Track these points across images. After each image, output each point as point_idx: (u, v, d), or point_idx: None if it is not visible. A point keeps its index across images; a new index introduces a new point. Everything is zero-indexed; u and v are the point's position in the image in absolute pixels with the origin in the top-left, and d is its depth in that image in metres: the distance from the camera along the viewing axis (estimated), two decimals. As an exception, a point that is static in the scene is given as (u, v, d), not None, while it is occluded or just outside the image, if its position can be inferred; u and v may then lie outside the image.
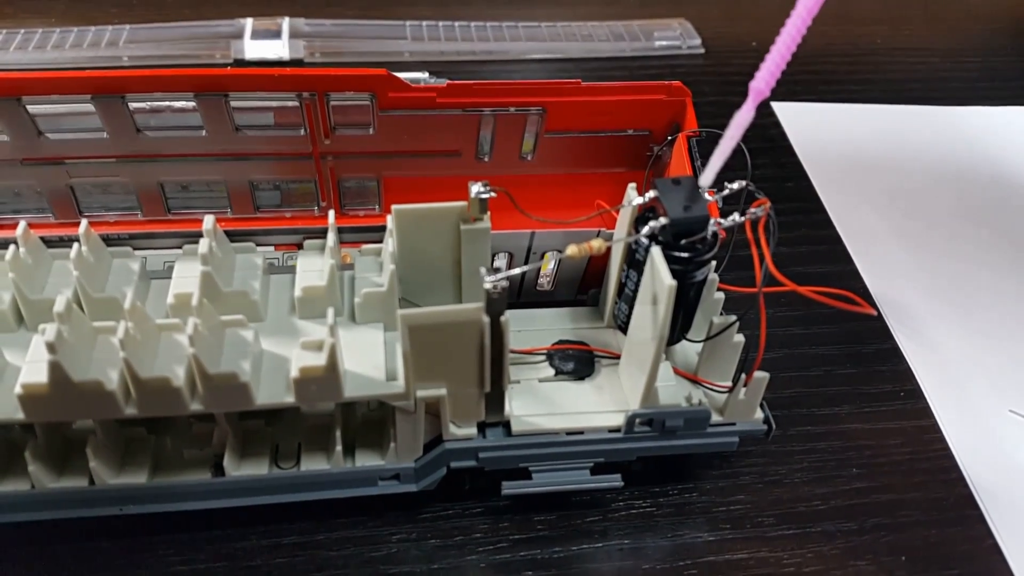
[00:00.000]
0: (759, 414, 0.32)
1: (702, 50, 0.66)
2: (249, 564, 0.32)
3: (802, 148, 0.56)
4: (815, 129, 0.58)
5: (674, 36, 0.66)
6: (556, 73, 0.62)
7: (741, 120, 0.26)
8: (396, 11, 0.66)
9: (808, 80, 0.64)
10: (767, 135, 0.57)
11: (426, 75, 0.55)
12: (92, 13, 0.63)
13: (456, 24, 0.64)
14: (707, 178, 0.28)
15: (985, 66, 0.68)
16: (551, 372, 0.33)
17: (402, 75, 0.34)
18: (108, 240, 0.33)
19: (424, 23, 0.64)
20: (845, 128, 0.59)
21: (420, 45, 0.62)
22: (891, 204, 0.52)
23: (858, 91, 0.63)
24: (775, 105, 0.60)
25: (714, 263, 0.32)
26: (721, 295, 0.34)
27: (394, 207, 0.31)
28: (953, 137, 0.58)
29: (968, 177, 0.55)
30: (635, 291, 0.31)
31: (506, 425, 0.31)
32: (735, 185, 0.30)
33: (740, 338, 0.32)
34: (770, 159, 0.55)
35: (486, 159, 0.37)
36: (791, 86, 0.62)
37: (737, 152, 0.32)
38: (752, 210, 0.29)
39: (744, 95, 0.26)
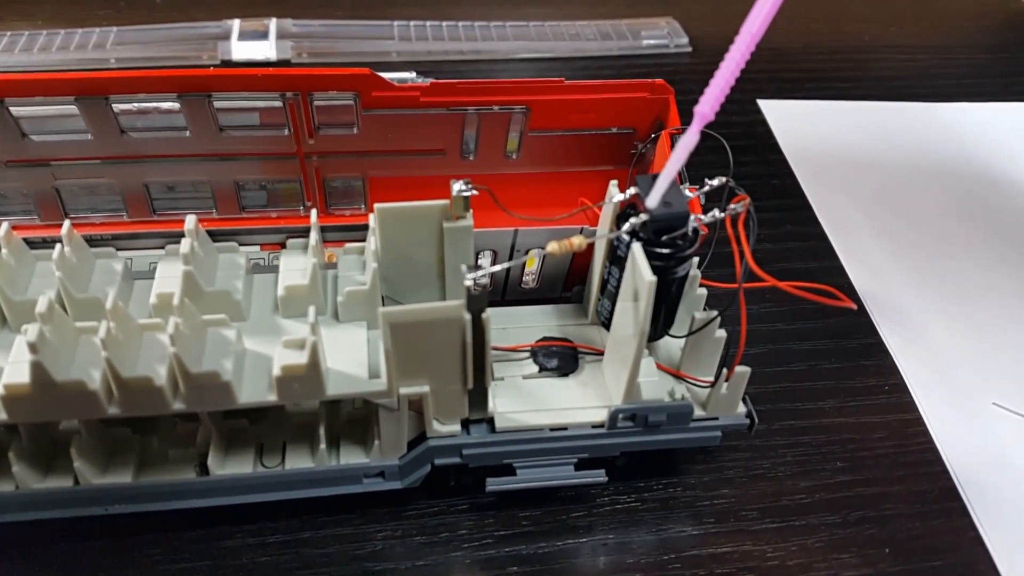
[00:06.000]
0: (742, 408, 0.33)
1: (689, 49, 0.66)
2: (235, 563, 0.32)
3: (788, 145, 0.56)
4: (801, 126, 0.58)
5: (661, 35, 0.66)
6: (544, 72, 0.62)
7: (687, 143, 0.27)
8: (385, 11, 0.66)
9: (795, 77, 0.64)
10: (753, 132, 0.57)
11: (413, 75, 0.55)
12: (79, 15, 0.63)
13: (444, 24, 0.64)
14: (653, 200, 0.28)
15: (972, 62, 0.68)
16: (535, 369, 0.33)
17: (389, 75, 0.34)
18: (92, 241, 0.33)
19: (412, 23, 0.64)
20: (831, 125, 0.59)
21: (408, 45, 0.62)
22: (877, 200, 0.52)
23: (845, 88, 0.63)
24: (761, 103, 0.60)
25: (696, 259, 0.33)
26: (703, 291, 0.34)
27: (377, 206, 0.31)
28: (939, 133, 0.59)
29: (953, 173, 0.55)
30: (617, 287, 0.31)
31: (490, 422, 0.31)
32: (715, 181, 0.30)
33: (722, 333, 0.32)
34: (756, 156, 0.55)
35: (471, 158, 0.37)
36: (778, 83, 0.62)
37: (719, 149, 0.32)
38: (732, 206, 0.29)
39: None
